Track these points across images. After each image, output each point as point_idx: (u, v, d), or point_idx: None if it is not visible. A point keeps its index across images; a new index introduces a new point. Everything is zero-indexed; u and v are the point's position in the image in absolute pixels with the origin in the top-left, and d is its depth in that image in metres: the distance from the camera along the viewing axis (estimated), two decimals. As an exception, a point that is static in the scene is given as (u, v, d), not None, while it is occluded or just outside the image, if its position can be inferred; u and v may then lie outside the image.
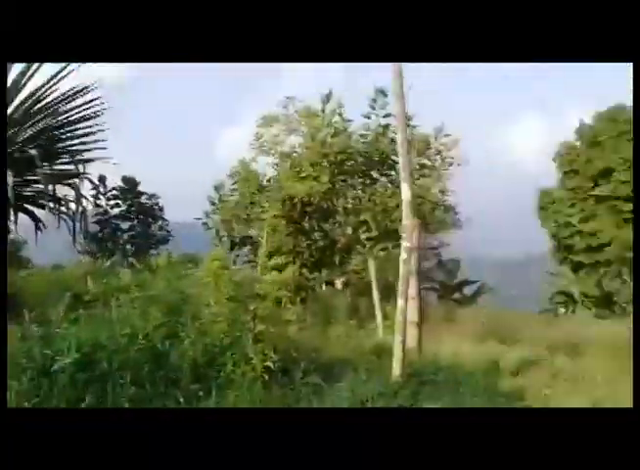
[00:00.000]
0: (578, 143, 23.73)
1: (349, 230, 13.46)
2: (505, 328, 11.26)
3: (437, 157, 10.26)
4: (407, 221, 6.73)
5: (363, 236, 12.94)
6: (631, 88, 2.23)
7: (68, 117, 8.44)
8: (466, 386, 6.09)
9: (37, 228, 8.85)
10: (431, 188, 9.68)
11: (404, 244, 6.72)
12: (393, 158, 10.60)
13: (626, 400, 6.85)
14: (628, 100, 23.30)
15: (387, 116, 12.30)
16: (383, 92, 12.32)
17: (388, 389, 5.57)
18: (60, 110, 8.39)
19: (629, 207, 21.12)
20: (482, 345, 9.81)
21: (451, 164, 10.21)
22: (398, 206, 8.65)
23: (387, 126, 12.30)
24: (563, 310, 23.32)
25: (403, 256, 6.68)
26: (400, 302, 6.55)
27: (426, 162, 10.17)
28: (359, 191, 13.02)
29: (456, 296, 25.70)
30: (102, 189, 24.36)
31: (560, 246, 23.73)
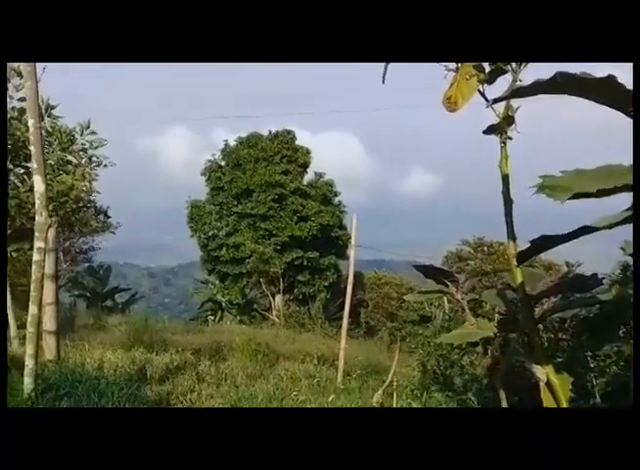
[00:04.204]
0: (224, 162, 25.53)
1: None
2: (154, 335, 11.15)
3: (83, 154, 9.59)
4: (40, 218, 5.94)
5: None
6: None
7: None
8: (108, 396, 5.74)
9: None
10: (75, 186, 8.94)
11: (37, 244, 5.94)
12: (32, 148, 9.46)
13: (262, 395, 7.73)
14: (262, 126, 26.15)
15: (21, 99, 10.91)
16: (16, 71, 10.80)
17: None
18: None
19: (266, 224, 23.75)
20: (130, 353, 9.48)
21: (98, 165, 9.68)
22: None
23: (23, 111, 10.88)
24: (212, 318, 24.59)
25: (36, 257, 5.92)
26: (33, 308, 5.78)
27: (71, 158, 9.38)
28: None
29: (108, 303, 24.76)
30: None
31: (209, 256, 24.99)
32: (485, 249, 23.57)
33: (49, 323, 6.96)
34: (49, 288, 6.95)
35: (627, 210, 2.35)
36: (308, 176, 25.51)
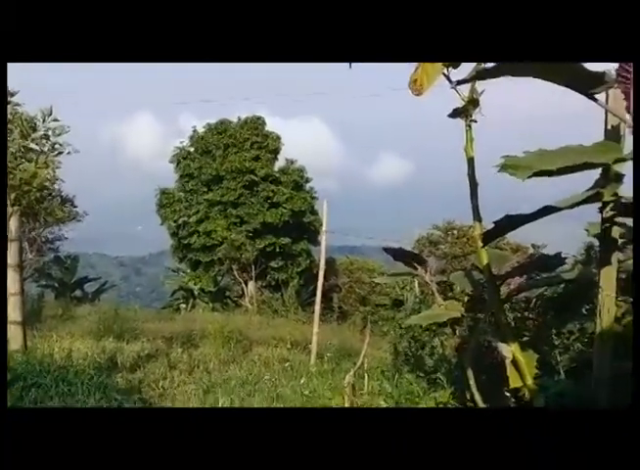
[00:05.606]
0: (192, 149, 25.21)
1: None
2: (124, 324, 11.05)
3: (45, 141, 9.34)
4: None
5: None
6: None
7: None
8: (76, 386, 5.69)
9: None
10: (38, 174, 8.74)
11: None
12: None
13: (235, 380, 7.73)
14: (236, 111, 25.95)
15: None
16: None
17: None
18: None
19: (237, 211, 23.63)
20: (100, 342, 9.39)
21: (61, 152, 9.43)
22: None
23: None
24: (184, 306, 24.43)
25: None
26: (-6, 300, 5.67)
27: (33, 146, 9.13)
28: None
29: (77, 293, 24.36)
30: None
31: (179, 244, 24.78)
32: (455, 232, 23.87)
33: (14, 313, 6.86)
34: (13, 278, 6.86)
35: (588, 190, 2.41)
36: (279, 163, 25.40)
